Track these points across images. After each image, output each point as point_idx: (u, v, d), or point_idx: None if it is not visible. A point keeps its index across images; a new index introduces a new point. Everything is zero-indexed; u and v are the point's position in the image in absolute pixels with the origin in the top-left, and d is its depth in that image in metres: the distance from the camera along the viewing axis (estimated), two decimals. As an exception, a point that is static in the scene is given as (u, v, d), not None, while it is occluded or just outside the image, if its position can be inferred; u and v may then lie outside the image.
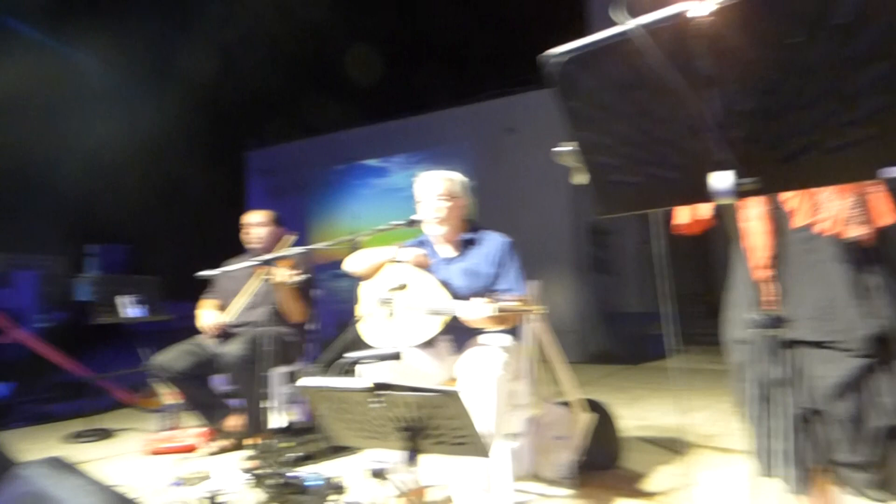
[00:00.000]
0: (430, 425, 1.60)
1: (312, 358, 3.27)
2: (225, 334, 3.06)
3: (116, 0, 9.60)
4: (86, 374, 4.47)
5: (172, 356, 2.94)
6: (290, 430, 2.95)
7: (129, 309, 3.35)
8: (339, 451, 2.78)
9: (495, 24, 10.33)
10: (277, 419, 3.01)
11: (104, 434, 3.55)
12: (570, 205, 8.09)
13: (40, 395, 5.66)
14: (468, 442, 1.61)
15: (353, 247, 2.26)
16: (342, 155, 10.30)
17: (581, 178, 1.11)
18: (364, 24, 10.07)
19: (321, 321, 3.30)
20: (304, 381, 1.66)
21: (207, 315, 3.09)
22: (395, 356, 1.73)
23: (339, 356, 1.90)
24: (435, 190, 2.31)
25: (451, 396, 1.49)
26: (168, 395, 3.19)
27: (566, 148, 1.11)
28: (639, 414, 3.78)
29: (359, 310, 2.22)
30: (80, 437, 3.49)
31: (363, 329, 2.22)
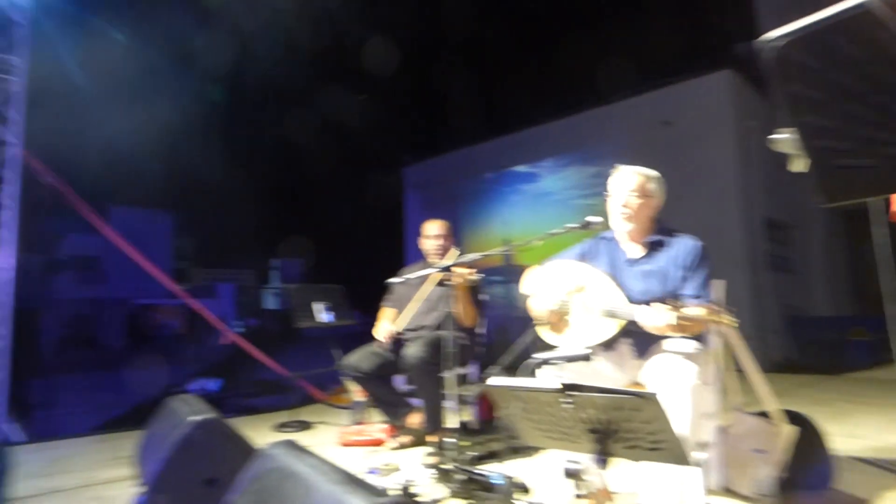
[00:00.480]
0: (622, 428, 1.57)
1: (481, 361, 3.38)
2: (397, 341, 3.30)
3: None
4: (284, 372, 5.08)
5: (359, 357, 3.23)
6: (464, 430, 3.08)
7: (323, 314, 3.76)
8: (518, 451, 2.83)
9: (645, 11, 9.84)
10: (453, 419, 3.16)
11: (304, 425, 4.01)
12: (740, 198, 7.39)
13: (244, 390, 6.53)
14: (665, 448, 1.56)
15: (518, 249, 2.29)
16: (492, 163, 10.50)
17: (800, 165, 1.03)
18: (509, 33, 10.22)
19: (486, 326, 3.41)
20: (492, 381, 1.73)
21: (381, 326, 3.36)
22: (585, 357, 1.73)
23: (522, 357, 1.95)
24: (628, 185, 2.23)
25: (648, 399, 1.46)
26: (356, 393, 3.51)
27: (784, 135, 1.04)
28: (849, 430, 3.32)
29: (536, 312, 2.25)
30: (284, 427, 3.98)
31: (542, 331, 2.25)
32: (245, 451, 2.38)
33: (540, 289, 2.26)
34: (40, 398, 5.59)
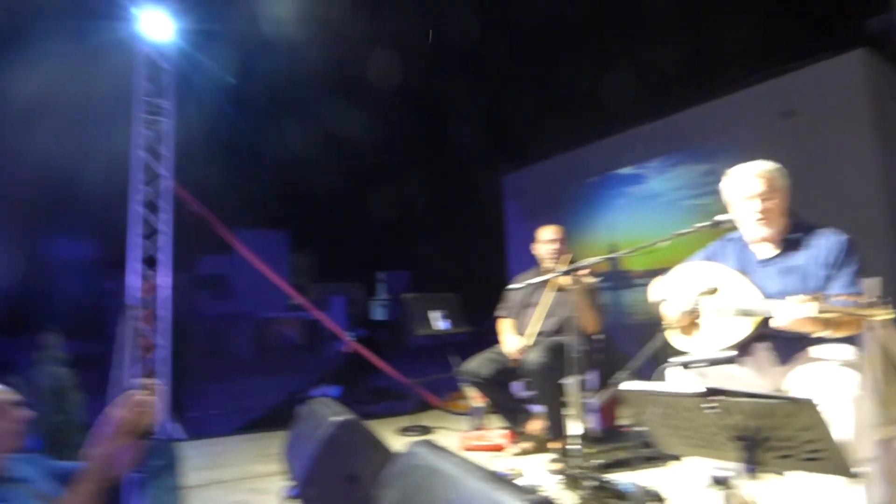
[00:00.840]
0: (774, 436, 1.50)
1: (601, 368, 3.33)
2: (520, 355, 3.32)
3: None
4: (403, 379, 5.30)
5: (479, 363, 3.31)
6: (588, 438, 3.04)
7: (440, 322, 3.89)
8: (651, 460, 2.76)
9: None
10: (575, 426, 3.13)
11: (425, 430, 4.16)
12: (879, 191, 6.65)
13: (362, 396, 6.86)
14: (825, 457, 1.46)
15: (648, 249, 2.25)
16: (594, 167, 10.26)
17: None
18: (607, 28, 9.99)
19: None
20: (627, 386, 1.71)
21: (510, 340, 3.39)
22: (730, 360, 1.67)
23: (653, 362, 1.91)
24: (752, 188, 2.07)
25: (804, 405, 1.38)
26: (475, 399, 3.59)
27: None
28: None
29: (668, 316, 2.19)
30: (407, 431, 4.15)
31: (671, 335, 2.19)
32: (381, 451, 2.53)
33: (670, 293, 2.20)
34: (191, 402, 6.26)
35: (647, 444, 2.67)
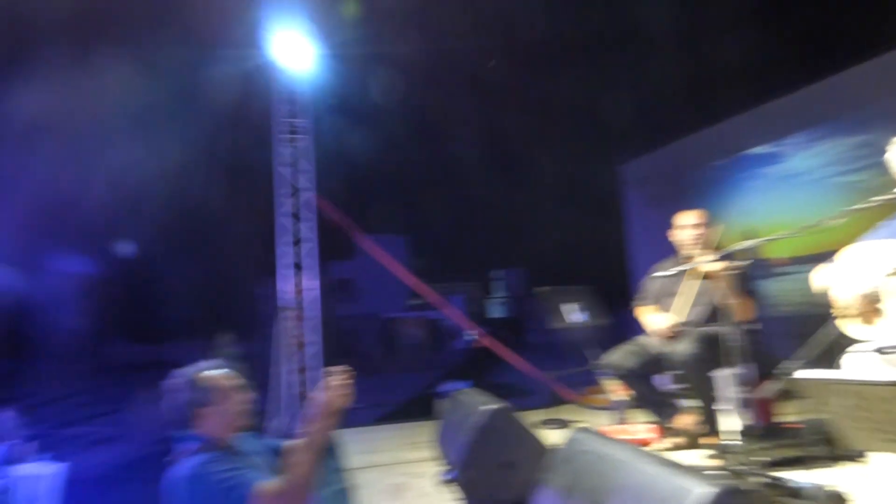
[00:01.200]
0: None
1: (758, 359, 3.12)
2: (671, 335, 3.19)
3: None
4: (537, 374, 5.32)
5: (621, 355, 3.24)
6: (749, 433, 2.87)
7: (574, 315, 3.87)
8: (827, 459, 2.54)
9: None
10: (732, 421, 2.97)
11: (563, 424, 4.15)
12: None
13: (491, 391, 6.95)
14: None
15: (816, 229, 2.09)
16: (721, 149, 9.57)
17: None
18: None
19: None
20: (806, 375, 1.62)
21: (659, 318, 3.26)
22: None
23: (829, 351, 1.78)
24: None
25: None
26: (615, 392, 3.53)
27: None
28: None
29: (842, 302, 2.02)
30: (546, 424, 4.17)
31: (846, 324, 2.02)
32: (532, 439, 2.60)
33: (842, 278, 2.03)
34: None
35: (820, 441, 2.46)
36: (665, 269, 3.19)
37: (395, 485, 3.03)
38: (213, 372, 1.71)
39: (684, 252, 3.31)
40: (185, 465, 1.59)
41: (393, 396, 7.57)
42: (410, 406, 6.02)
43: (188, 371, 1.71)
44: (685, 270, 3.09)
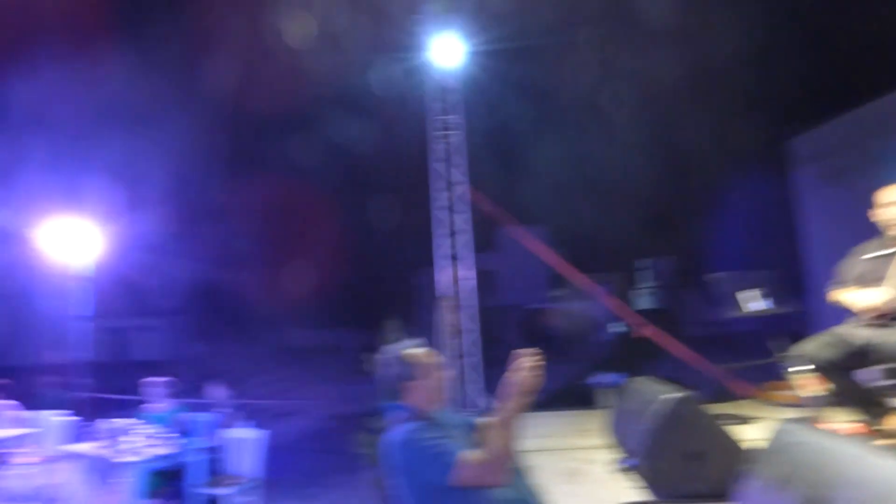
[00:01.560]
0: None
1: None
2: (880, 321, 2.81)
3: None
4: (706, 366, 5.02)
5: (817, 346, 2.93)
6: None
7: (752, 303, 3.59)
8: None
9: None
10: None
11: (742, 420, 3.88)
12: None
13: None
14: None
15: None
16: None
17: None
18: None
19: None
20: None
21: (870, 294, 2.87)
22: None
23: None
24: None
25: None
26: (807, 387, 3.21)
27: None
28: None
29: None
30: (722, 419, 3.92)
31: None
32: (719, 429, 2.48)
33: None
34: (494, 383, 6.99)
35: None
36: (871, 251, 2.83)
37: (569, 469, 3.07)
38: (418, 350, 1.88)
39: (891, 232, 2.90)
40: (398, 431, 1.77)
41: (545, 386, 7.59)
42: (562, 396, 6.00)
43: (396, 348, 1.89)
44: (893, 253, 2.72)
